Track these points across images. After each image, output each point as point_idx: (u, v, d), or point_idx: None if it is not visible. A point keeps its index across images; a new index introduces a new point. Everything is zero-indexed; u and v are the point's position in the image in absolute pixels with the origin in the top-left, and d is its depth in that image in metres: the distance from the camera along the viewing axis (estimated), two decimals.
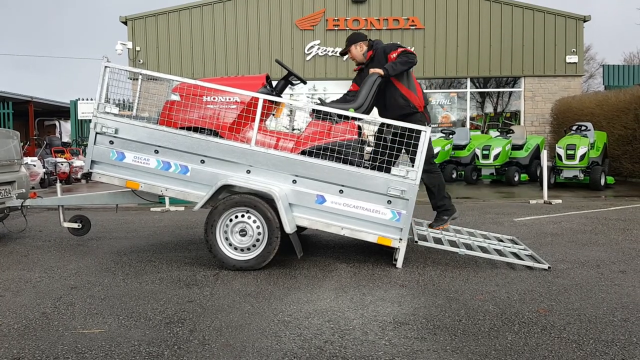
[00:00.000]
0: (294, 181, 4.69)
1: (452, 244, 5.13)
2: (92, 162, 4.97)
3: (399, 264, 4.73)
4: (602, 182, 11.12)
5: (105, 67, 4.92)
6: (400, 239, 4.66)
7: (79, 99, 19.84)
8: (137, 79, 5.34)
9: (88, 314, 3.50)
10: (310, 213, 4.71)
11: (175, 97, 5.00)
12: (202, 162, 4.79)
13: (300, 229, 5.19)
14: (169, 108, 4.97)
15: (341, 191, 4.65)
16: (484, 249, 5.13)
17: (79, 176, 14.67)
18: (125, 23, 18.70)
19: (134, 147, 4.88)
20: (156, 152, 4.85)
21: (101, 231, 6.84)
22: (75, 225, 5.73)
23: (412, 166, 4.66)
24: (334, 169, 4.65)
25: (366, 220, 4.66)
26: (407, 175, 4.60)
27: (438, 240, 5.13)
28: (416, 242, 4.91)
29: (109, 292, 4.02)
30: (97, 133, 4.91)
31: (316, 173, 4.67)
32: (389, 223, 4.64)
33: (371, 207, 4.64)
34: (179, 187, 4.85)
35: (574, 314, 3.49)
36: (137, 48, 18.59)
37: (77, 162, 14.87)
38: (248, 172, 4.74)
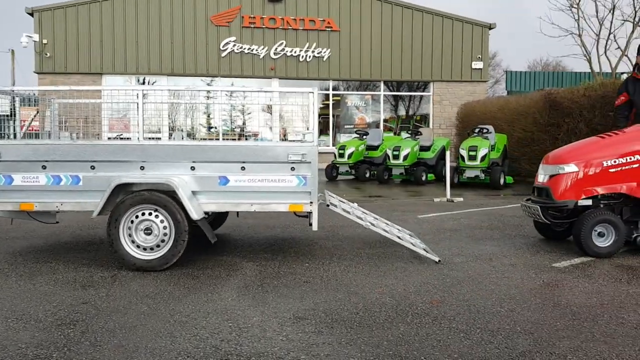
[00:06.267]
0: (193, 167, 4.63)
1: (359, 218, 5.24)
2: None
3: (315, 226, 4.76)
4: (502, 181, 11.81)
5: None
6: (311, 202, 4.70)
7: None
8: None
9: None
10: (216, 196, 4.65)
11: (572, 169, 5.18)
12: (93, 167, 4.61)
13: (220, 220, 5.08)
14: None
15: (243, 168, 4.64)
16: (385, 230, 5.31)
17: None
18: (31, 14, 17.62)
19: (21, 167, 4.62)
20: (44, 167, 4.61)
21: None
22: None
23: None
24: (231, 147, 4.67)
25: (274, 191, 4.66)
26: (305, 139, 4.68)
27: (347, 212, 5.23)
28: (327, 205, 5.00)
29: None
30: None
31: (214, 155, 4.63)
32: (297, 189, 4.67)
33: (276, 177, 4.65)
34: (74, 199, 4.64)
35: (464, 305, 3.68)
36: (44, 41, 17.59)
37: None
38: (142, 167, 4.62)
